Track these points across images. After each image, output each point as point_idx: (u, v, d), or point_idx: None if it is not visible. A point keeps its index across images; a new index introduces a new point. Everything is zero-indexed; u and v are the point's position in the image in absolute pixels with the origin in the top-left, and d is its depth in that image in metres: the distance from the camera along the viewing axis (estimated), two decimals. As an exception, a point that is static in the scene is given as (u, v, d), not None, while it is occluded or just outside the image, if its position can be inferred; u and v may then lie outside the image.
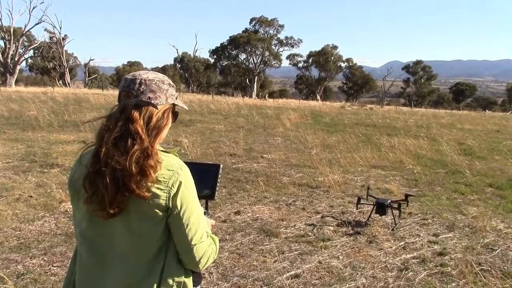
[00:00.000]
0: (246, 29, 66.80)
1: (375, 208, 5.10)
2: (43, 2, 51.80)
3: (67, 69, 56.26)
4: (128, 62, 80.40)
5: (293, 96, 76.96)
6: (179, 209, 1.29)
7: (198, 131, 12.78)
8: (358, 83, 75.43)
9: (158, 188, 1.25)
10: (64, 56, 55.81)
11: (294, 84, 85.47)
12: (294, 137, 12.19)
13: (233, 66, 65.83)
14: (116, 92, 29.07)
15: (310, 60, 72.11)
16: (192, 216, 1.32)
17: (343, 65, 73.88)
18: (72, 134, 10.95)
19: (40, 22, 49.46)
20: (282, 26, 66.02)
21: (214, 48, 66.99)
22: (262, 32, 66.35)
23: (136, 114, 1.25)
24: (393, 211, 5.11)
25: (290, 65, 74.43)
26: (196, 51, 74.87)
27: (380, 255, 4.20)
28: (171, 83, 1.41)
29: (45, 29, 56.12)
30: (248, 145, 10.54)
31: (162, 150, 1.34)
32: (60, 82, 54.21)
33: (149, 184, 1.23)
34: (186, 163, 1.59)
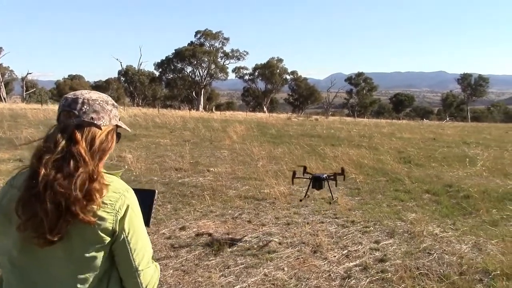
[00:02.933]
0: (192, 42, 66.64)
1: (311, 182, 5.18)
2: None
3: (3, 83, 53.53)
4: (69, 75, 77.70)
5: (240, 109, 77.38)
6: (126, 233, 1.24)
7: (143, 145, 12.50)
8: (304, 95, 77.16)
9: (104, 211, 1.20)
10: (-1, 70, 53.07)
11: (241, 97, 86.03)
12: (240, 149, 12.22)
13: (179, 79, 65.36)
14: (56, 107, 27.91)
15: (256, 73, 73.05)
16: (139, 240, 1.27)
17: (288, 77, 75.47)
18: (7, 152, 10.37)
19: (-28, 34, 46.84)
20: (227, 39, 66.49)
21: (159, 61, 66.26)
22: (208, 45, 66.45)
23: (78, 135, 1.20)
24: (330, 185, 5.23)
25: (236, 78, 74.97)
26: (140, 64, 73.59)
27: (324, 264, 4.26)
28: (115, 103, 1.37)
29: (-22, 42, 53.12)
30: (194, 159, 10.44)
31: (106, 172, 1.29)
32: (-5, 97, 51.41)
33: (95, 207, 1.17)
34: None
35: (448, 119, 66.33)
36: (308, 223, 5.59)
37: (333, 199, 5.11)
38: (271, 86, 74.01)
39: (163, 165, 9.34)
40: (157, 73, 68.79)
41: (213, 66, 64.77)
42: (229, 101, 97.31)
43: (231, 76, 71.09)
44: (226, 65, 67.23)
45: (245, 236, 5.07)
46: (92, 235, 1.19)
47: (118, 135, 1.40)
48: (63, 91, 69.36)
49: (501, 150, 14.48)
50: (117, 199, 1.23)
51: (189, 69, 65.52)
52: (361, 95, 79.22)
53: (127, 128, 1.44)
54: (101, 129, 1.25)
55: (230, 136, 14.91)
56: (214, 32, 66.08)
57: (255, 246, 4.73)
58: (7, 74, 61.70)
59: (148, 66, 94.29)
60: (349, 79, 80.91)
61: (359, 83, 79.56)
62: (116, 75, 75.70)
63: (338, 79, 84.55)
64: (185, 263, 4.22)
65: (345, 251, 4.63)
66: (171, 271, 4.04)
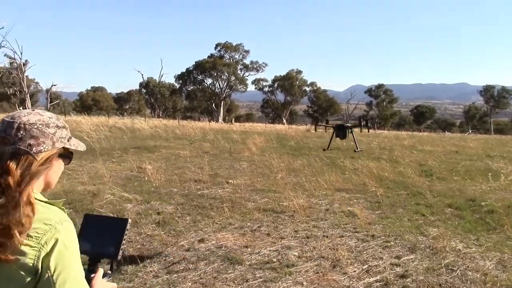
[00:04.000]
0: (212, 54, 67.37)
1: (335, 131, 5.14)
2: (2, 28, 50.45)
3: (28, 95, 54.81)
4: (92, 87, 79.29)
5: (259, 120, 77.51)
6: (52, 271, 1.05)
7: (162, 157, 12.62)
8: (323, 107, 76.96)
9: (27, 245, 1.05)
10: (25, 82, 54.43)
11: (260, 108, 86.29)
12: (259, 161, 12.22)
13: (199, 91, 66.01)
14: (79, 118, 28.46)
15: (276, 85, 73.28)
16: (68, 281, 1.07)
17: (307, 89, 75.45)
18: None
19: (0, 48, 48.30)
20: (247, 52, 67.03)
21: (179, 73, 67.10)
22: (228, 57, 67.06)
23: (12, 164, 1.07)
24: (354, 135, 5.19)
25: (256, 90, 75.30)
26: (161, 76, 74.69)
27: (344, 279, 4.21)
28: (60, 124, 1.23)
29: (5, 55, 54.71)
30: (214, 170, 10.48)
31: (44, 201, 1.16)
32: (21, 108, 52.63)
33: (15, 243, 1.03)
34: (89, 216, 1.46)
35: (470, 131, 65.06)
36: (327, 237, 5.54)
37: (357, 148, 5.07)
38: (290, 98, 74.09)
39: (182, 176, 9.41)
40: (177, 85, 69.63)
41: (232, 78, 65.27)
42: (248, 113, 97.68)
43: (251, 87, 71.55)
44: (246, 77, 67.75)
45: (264, 249, 5.05)
46: (9, 271, 1.06)
47: (69, 156, 1.28)
48: (85, 103, 70.86)
49: (526, 164, 14.13)
50: (45, 231, 1.08)
51: (209, 81, 66.24)
52: (381, 107, 78.58)
53: (80, 148, 1.32)
54: (36, 159, 1.11)
55: (249, 148, 14.94)
56: (234, 44, 66.75)
57: (274, 260, 4.70)
58: (32, 86, 63.27)
59: (169, 78, 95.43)
60: (369, 91, 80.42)
61: (379, 95, 78.99)
62: (138, 87, 76.98)
63: (358, 91, 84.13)
64: (204, 276, 4.22)
65: (365, 266, 4.56)
66: (190, 283, 4.05)
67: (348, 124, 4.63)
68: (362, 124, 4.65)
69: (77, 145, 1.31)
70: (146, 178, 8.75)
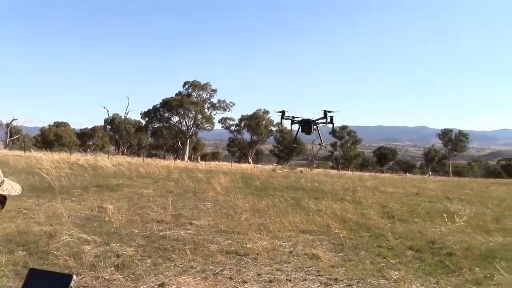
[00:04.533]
0: (180, 92, 67.64)
1: (300, 126, 5.13)
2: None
3: (-14, 129, 53.03)
4: (54, 122, 77.47)
5: (225, 159, 77.41)
6: None
7: (125, 196, 12.33)
8: (289, 147, 77.85)
9: None
10: (-17, 116, 52.71)
11: (227, 147, 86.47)
12: (224, 201, 12.13)
13: (165, 129, 65.67)
14: (39, 154, 27.56)
15: (242, 124, 73.89)
16: None
17: (274, 129, 76.32)
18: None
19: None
20: (214, 91, 67.71)
21: (146, 110, 66.74)
22: (195, 95, 67.43)
23: None
24: (319, 130, 5.20)
25: (222, 128, 75.63)
26: (127, 113, 74.01)
27: (306, 325, 4.15)
28: None
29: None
30: (177, 210, 10.30)
31: None
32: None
33: None
34: (34, 271, 1.40)
35: (430, 173, 67.09)
36: (290, 281, 5.48)
37: (322, 143, 5.11)
38: (257, 137, 74.75)
39: (144, 217, 9.19)
40: (143, 122, 69.13)
41: (199, 116, 65.42)
42: (214, 151, 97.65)
43: (217, 126, 71.80)
44: (213, 116, 68.06)
45: (226, 294, 4.94)
46: None
47: (1, 201, 1.26)
48: (47, 138, 68.95)
49: (482, 206, 14.64)
50: None
51: (175, 118, 66.12)
52: (345, 148, 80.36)
53: (14, 192, 1.28)
54: None
55: (214, 188, 14.82)
56: (202, 83, 67.36)
57: (236, 305, 4.59)
58: (-9, 120, 61.38)
59: (135, 115, 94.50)
60: (333, 132, 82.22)
61: (343, 136, 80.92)
62: (103, 123, 75.84)
63: (323, 132, 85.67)
64: (163, 323, 4.06)
65: (328, 311, 4.52)
66: (148, 331, 3.88)
67: (313, 119, 4.77)
68: (327, 119, 4.75)
69: (10, 189, 1.25)
70: (107, 218, 8.48)
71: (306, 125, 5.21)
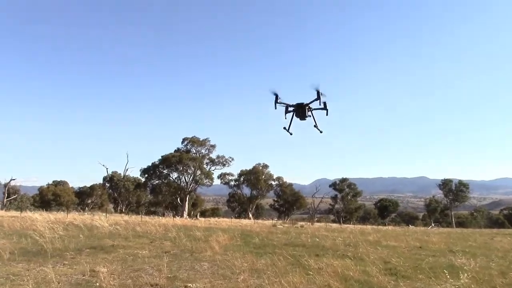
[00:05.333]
0: (178, 148, 67.97)
1: (294, 111, 4.95)
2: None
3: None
4: (53, 181, 77.28)
5: (225, 215, 76.67)
6: None
7: (119, 258, 11.99)
8: (289, 201, 77.32)
9: None
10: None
11: (227, 202, 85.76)
12: (222, 261, 11.77)
13: (164, 185, 65.33)
14: (35, 215, 27.20)
15: (242, 179, 73.66)
16: None
17: (273, 183, 76.01)
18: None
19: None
20: (213, 146, 68.01)
21: (145, 167, 66.73)
22: (194, 151, 67.69)
23: None
24: (313, 115, 5.02)
25: (222, 183, 75.28)
26: (126, 170, 74.07)
27: None
28: None
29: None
30: (172, 272, 9.96)
31: None
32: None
33: None
34: None
35: (433, 225, 66.24)
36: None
37: (318, 129, 4.87)
38: (257, 192, 74.28)
39: (138, 280, 8.86)
40: (142, 179, 68.91)
41: (198, 172, 65.31)
42: (214, 207, 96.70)
43: (217, 181, 71.49)
44: (212, 171, 67.93)
45: None
46: None
47: None
48: (45, 197, 68.54)
49: (487, 259, 14.24)
50: None
51: (175, 175, 65.96)
52: (346, 201, 79.72)
53: None
54: None
55: (212, 247, 14.47)
56: (201, 139, 67.86)
57: None
58: (-12, 180, 61.20)
59: (134, 172, 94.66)
60: (333, 185, 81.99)
61: (343, 189, 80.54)
62: (101, 181, 75.62)
63: (323, 185, 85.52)
64: None
65: None
66: None
67: (306, 102, 4.69)
68: (320, 101, 4.66)
69: None
70: (98, 283, 8.18)
71: (300, 109, 5.13)
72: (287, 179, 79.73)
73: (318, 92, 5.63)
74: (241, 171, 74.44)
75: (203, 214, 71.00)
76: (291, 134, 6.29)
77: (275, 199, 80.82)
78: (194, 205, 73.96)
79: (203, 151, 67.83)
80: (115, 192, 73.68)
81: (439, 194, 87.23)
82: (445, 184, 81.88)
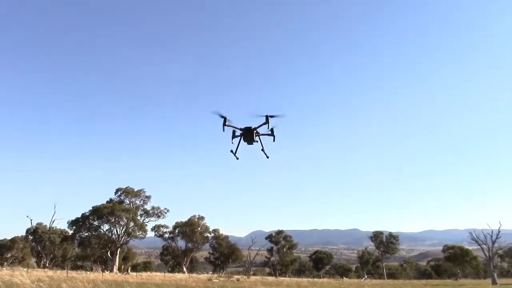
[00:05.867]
0: (111, 199, 65.32)
1: (242, 135, 4.89)
2: None
3: None
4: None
5: (158, 268, 73.75)
6: None
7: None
8: (225, 253, 76.01)
9: None
10: None
11: (160, 256, 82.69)
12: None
13: (94, 238, 61.86)
14: None
15: (177, 231, 71.69)
16: None
17: (209, 235, 74.61)
18: None
19: None
20: (148, 197, 66.06)
21: (74, 218, 63.10)
22: (128, 202, 65.34)
23: None
24: (260, 140, 5.00)
25: (155, 236, 72.68)
26: (53, 221, 69.70)
27: None
28: None
29: None
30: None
31: None
32: None
33: None
34: None
35: (366, 276, 67.69)
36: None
37: (266, 155, 4.86)
38: (192, 245, 72.40)
39: None
40: (70, 231, 64.95)
41: (131, 224, 62.75)
42: (146, 261, 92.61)
43: (150, 233, 68.93)
44: (146, 223, 65.54)
45: None
46: None
47: None
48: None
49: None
50: None
51: (106, 227, 62.79)
52: (282, 253, 79.69)
53: None
54: None
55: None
56: (135, 189, 65.80)
57: None
58: None
59: (62, 224, 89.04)
60: (269, 237, 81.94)
61: (279, 241, 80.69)
62: (24, 233, 70.41)
63: (259, 237, 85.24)
64: None
65: None
66: None
67: (255, 126, 4.70)
68: (269, 125, 4.72)
69: None
70: None
71: (248, 133, 5.20)
72: (223, 231, 78.58)
73: (267, 117, 5.79)
74: (176, 223, 72.47)
75: (135, 268, 67.71)
76: (237, 158, 6.37)
77: (211, 251, 79.07)
78: (125, 259, 70.46)
79: (137, 202, 65.63)
80: (39, 245, 68.71)
81: (370, 246, 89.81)
82: (376, 236, 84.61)
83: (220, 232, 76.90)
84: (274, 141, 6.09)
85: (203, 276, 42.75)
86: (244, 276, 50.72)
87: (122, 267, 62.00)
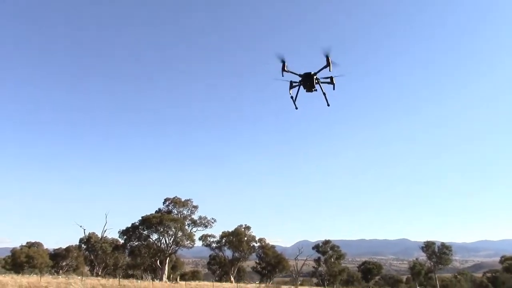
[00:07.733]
0: (159, 209, 66.66)
1: (301, 81, 4.68)
2: None
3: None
4: (27, 242, 74.41)
5: (206, 278, 74.39)
6: None
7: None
8: (271, 263, 75.57)
9: None
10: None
11: (207, 265, 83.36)
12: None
13: (143, 247, 63.29)
14: (6, 278, 25.85)
15: (223, 241, 72.06)
16: None
17: (256, 245, 74.47)
18: None
19: None
20: (196, 207, 66.93)
21: (124, 228, 64.89)
22: (176, 212, 66.45)
23: None
24: (321, 87, 4.79)
25: (203, 245, 73.39)
26: (105, 231, 71.94)
27: None
28: None
29: None
30: None
31: None
32: None
33: None
34: None
35: (418, 288, 65.26)
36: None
37: (327, 103, 4.66)
38: (239, 254, 72.47)
39: None
40: (121, 241, 66.77)
41: (179, 234, 63.71)
42: (194, 270, 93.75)
43: (198, 243, 69.72)
44: (193, 233, 66.36)
45: None
46: None
47: None
48: (18, 260, 65.64)
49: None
50: None
51: (155, 236, 64.09)
52: (329, 263, 78.29)
53: None
54: None
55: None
56: (183, 199, 66.83)
57: None
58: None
59: (113, 233, 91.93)
60: (316, 247, 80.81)
61: (327, 251, 79.38)
62: (78, 243, 73.14)
63: (305, 247, 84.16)
64: None
65: None
66: None
67: (314, 71, 4.48)
68: (330, 67, 4.52)
69: None
70: None
71: (308, 79, 4.93)
72: (269, 240, 78.24)
73: (327, 58, 5.46)
74: (222, 232, 72.87)
75: (183, 277, 68.68)
76: (296, 108, 6.15)
77: (257, 261, 78.89)
78: (173, 268, 71.61)
79: (185, 212, 66.64)
80: (92, 254, 71.06)
81: (422, 256, 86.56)
82: (428, 247, 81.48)
83: (266, 242, 76.67)
84: (334, 89, 5.86)
85: (251, 286, 42.67)
86: (292, 287, 50.18)
87: (171, 276, 62.98)
